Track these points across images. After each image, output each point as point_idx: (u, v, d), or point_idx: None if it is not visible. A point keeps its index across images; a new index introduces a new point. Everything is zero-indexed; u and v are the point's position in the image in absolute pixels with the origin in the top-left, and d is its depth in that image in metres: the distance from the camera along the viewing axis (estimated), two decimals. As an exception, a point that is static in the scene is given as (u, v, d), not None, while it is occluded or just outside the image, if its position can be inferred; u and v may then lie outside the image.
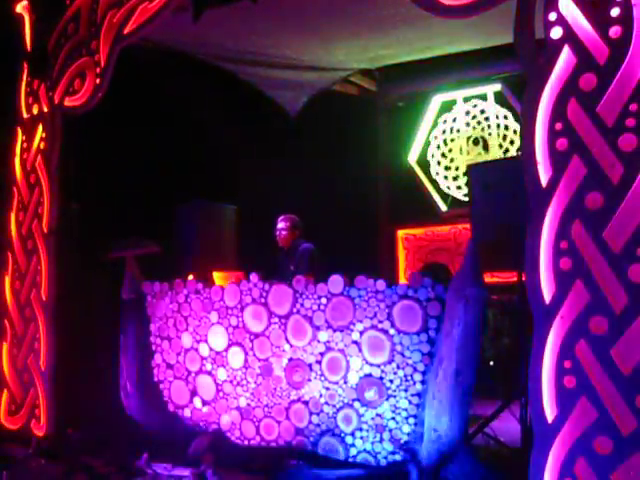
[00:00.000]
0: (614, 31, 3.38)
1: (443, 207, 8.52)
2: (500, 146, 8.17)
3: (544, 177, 3.52)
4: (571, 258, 3.43)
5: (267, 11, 5.51)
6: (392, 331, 4.40)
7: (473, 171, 5.25)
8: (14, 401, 5.94)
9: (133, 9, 5.33)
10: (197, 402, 5.29)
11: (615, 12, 3.37)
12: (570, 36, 3.49)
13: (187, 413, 5.35)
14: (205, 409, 5.25)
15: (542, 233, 3.51)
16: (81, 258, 6.19)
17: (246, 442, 5.04)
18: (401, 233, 8.57)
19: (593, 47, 3.42)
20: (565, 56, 3.50)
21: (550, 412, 3.44)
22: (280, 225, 6.50)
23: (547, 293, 3.48)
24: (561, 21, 3.52)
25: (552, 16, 3.54)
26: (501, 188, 4.65)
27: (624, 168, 3.32)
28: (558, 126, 3.51)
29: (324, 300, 4.68)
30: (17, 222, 6.04)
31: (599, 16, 3.42)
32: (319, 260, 6.40)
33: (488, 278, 4.28)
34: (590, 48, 3.42)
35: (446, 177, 8.51)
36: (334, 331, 4.64)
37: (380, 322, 4.45)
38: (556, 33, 3.53)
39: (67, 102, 5.80)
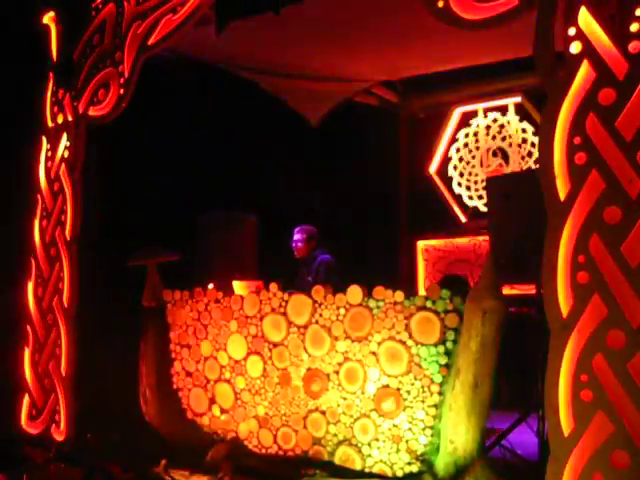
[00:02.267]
0: (633, 46, 3.39)
1: (463, 218, 8.52)
2: (521, 158, 8.16)
3: (562, 191, 3.53)
4: (589, 272, 3.44)
5: (289, 23, 5.56)
6: (410, 342, 4.41)
7: (492, 183, 5.26)
8: (35, 406, 6.02)
9: (157, 21, 5.41)
10: (215, 410, 5.32)
11: (635, 27, 3.39)
12: (589, 51, 3.51)
13: (205, 421, 5.38)
14: (223, 417, 5.28)
15: (560, 246, 3.52)
16: (103, 266, 6.26)
17: (263, 450, 5.06)
18: (421, 244, 8.56)
19: (612, 62, 3.43)
20: (584, 71, 3.51)
21: (567, 426, 3.44)
22: (296, 237, 6.58)
23: (564, 306, 3.49)
24: (580, 36, 3.53)
25: (571, 31, 3.56)
26: (520, 200, 4.65)
27: (643, 183, 3.33)
28: (577, 140, 3.52)
29: (343, 310, 4.70)
30: (40, 229, 6.13)
31: (618, 31, 3.43)
32: (337, 271, 6.41)
33: (506, 290, 4.27)
34: (609, 63, 3.44)
35: (467, 188, 8.51)
36: (352, 341, 4.65)
37: (398, 333, 4.46)
38: (575, 48, 3.55)
39: (91, 112, 5.89)
